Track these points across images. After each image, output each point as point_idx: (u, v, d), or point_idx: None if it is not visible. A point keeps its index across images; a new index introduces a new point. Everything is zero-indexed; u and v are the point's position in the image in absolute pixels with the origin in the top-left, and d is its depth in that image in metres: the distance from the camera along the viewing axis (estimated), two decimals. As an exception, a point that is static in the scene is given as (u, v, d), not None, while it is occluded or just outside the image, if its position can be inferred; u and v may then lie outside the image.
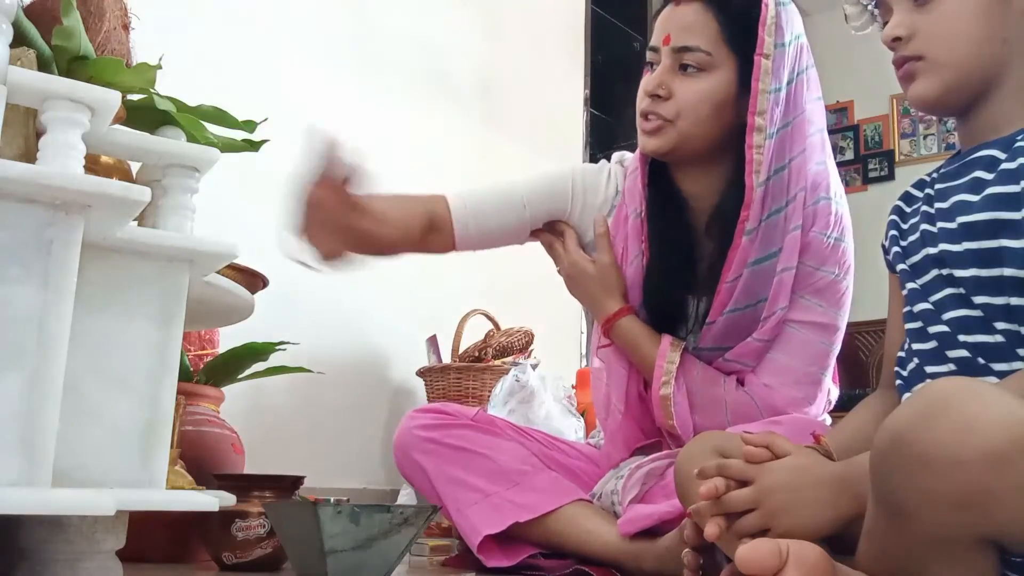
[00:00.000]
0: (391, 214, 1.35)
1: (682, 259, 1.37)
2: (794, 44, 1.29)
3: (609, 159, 1.51)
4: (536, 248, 1.52)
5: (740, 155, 1.30)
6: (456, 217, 1.42)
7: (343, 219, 1.22)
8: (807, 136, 1.30)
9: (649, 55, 1.35)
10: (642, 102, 1.33)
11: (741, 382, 1.33)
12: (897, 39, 0.94)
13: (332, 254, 1.25)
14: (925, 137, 4.41)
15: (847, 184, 4.18)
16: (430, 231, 1.42)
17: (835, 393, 1.40)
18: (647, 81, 1.33)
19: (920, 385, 0.88)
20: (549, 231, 1.47)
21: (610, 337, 1.40)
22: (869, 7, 1.03)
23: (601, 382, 1.45)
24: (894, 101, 4.39)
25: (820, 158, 1.32)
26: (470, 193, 1.45)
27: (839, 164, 3.92)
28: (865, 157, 4.51)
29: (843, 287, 1.33)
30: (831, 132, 4.43)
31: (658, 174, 1.40)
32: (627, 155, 1.49)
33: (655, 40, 1.34)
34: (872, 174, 4.49)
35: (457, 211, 1.42)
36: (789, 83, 1.29)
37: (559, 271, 1.47)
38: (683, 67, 1.30)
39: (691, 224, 1.38)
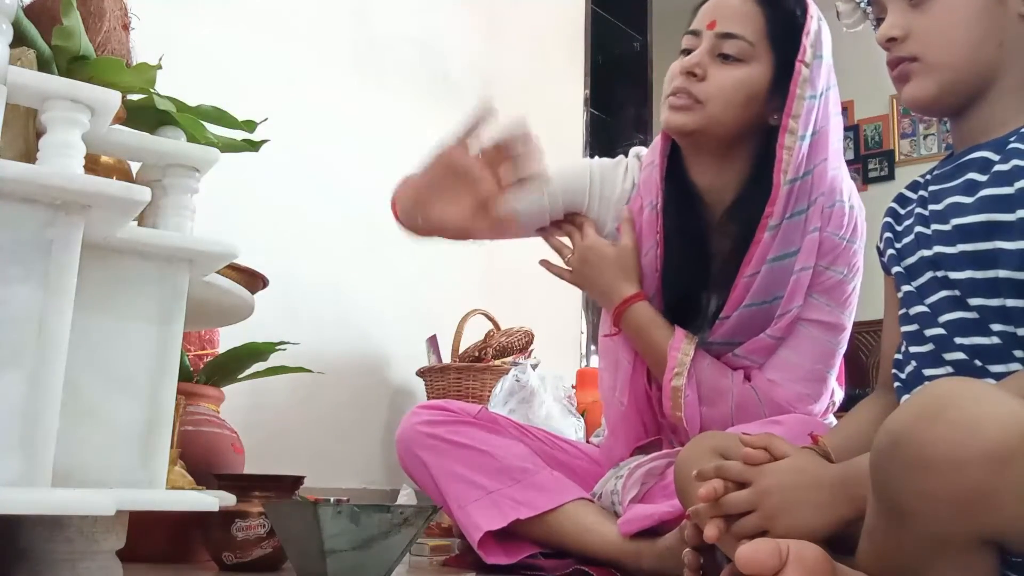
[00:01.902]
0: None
1: (699, 252, 1.38)
2: (827, 61, 1.33)
3: (611, 158, 1.51)
4: (537, 247, 1.51)
5: (759, 153, 1.33)
6: None
7: (484, 185, 1.14)
8: (829, 146, 1.33)
9: (687, 40, 1.35)
10: (675, 80, 1.34)
11: (748, 377, 1.34)
12: (892, 39, 0.94)
13: (459, 225, 1.19)
14: (925, 137, 4.41)
15: (847, 184, 4.17)
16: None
17: (839, 394, 1.41)
18: (683, 61, 1.33)
19: (920, 387, 0.88)
20: (566, 223, 1.46)
21: (619, 324, 1.40)
22: (861, 4, 1.03)
23: (606, 374, 1.45)
24: (894, 101, 4.39)
25: (836, 164, 1.35)
26: None
27: (839, 164, 3.92)
28: (865, 157, 4.51)
29: (850, 287, 1.34)
30: (831, 132, 4.42)
31: (673, 168, 1.40)
32: (643, 150, 1.50)
33: (697, 24, 1.35)
34: (872, 174, 4.49)
35: None
36: (821, 95, 1.31)
37: (568, 261, 1.45)
38: (722, 56, 1.31)
39: (705, 219, 1.39)
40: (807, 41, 1.29)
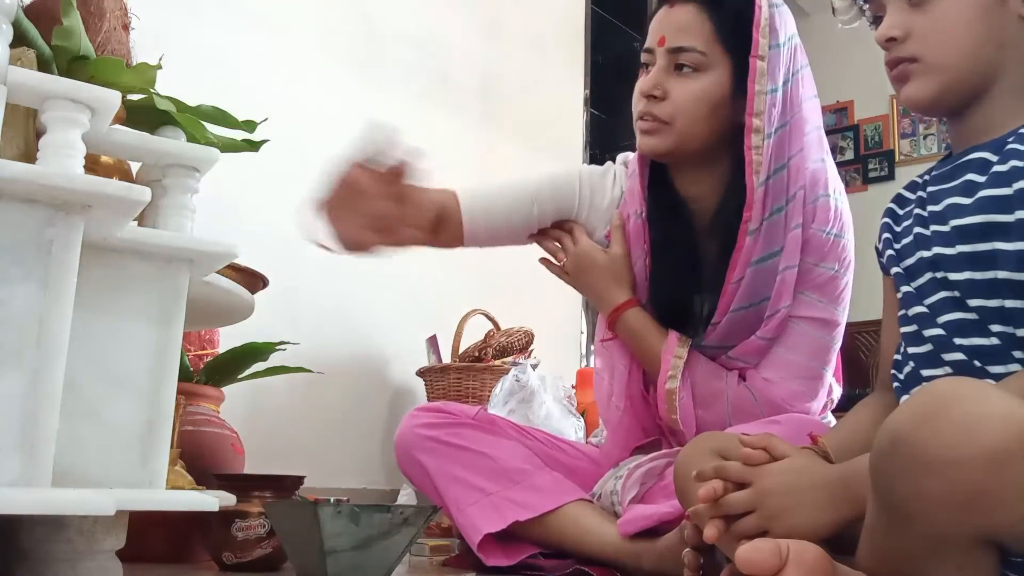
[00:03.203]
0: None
1: (686, 260, 1.37)
2: (788, 45, 1.31)
3: (614, 160, 1.51)
4: (537, 249, 1.51)
5: (737, 156, 1.31)
6: (466, 215, 1.42)
7: (380, 206, 1.23)
8: (804, 135, 1.31)
9: (644, 57, 1.36)
10: (638, 103, 1.34)
11: (743, 377, 1.34)
12: (892, 40, 0.94)
13: (354, 240, 1.26)
14: (925, 137, 4.41)
15: (847, 184, 4.17)
16: (440, 224, 1.42)
17: (837, 391, 1.40)
18: (643, 82, 1.34)
19: (918, 387, 0.88)
20: (557, 229, 1.47)
21: (614, 330, 1.40)
22: (857, 1, 1.02)
23: (603, 379, 1.45)
24: (894, 101, 4.39)
25: (818, 155, 1.33)
26: (479, 190, 1.46)
27: (839, 164, 3.92)
28: (865, 157, 4.52)
29: (842, 283, 1.33)
30: (831, 132, 4.44)
31: (658, 176, 1.40)
32: (630, 155, 1.49)
33: (650, 42, 1.34)
34: (872, 174, 4.49)
35: (467, 207, 1.42)
36: (785, 83, 1.29)
37: (564, 266, 1.46)
38: (678, 67, 1.31)
39: (692, 225, 1.39)
40: (758, 34, 1.27)
